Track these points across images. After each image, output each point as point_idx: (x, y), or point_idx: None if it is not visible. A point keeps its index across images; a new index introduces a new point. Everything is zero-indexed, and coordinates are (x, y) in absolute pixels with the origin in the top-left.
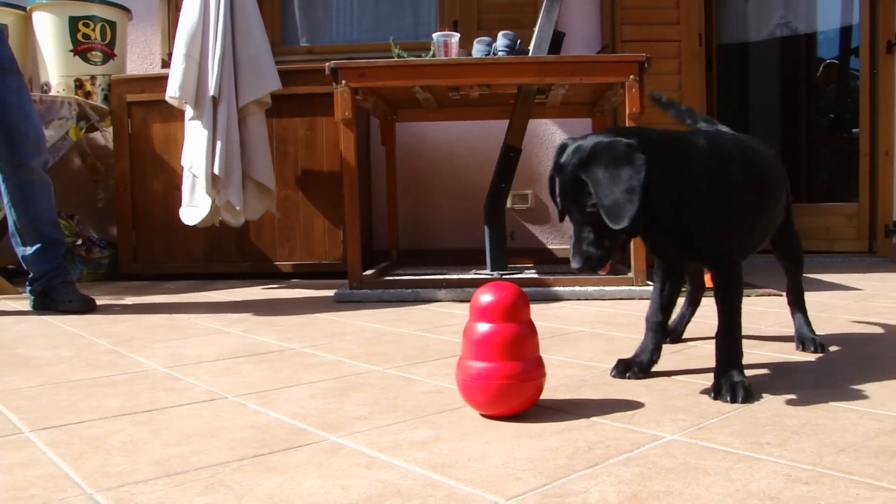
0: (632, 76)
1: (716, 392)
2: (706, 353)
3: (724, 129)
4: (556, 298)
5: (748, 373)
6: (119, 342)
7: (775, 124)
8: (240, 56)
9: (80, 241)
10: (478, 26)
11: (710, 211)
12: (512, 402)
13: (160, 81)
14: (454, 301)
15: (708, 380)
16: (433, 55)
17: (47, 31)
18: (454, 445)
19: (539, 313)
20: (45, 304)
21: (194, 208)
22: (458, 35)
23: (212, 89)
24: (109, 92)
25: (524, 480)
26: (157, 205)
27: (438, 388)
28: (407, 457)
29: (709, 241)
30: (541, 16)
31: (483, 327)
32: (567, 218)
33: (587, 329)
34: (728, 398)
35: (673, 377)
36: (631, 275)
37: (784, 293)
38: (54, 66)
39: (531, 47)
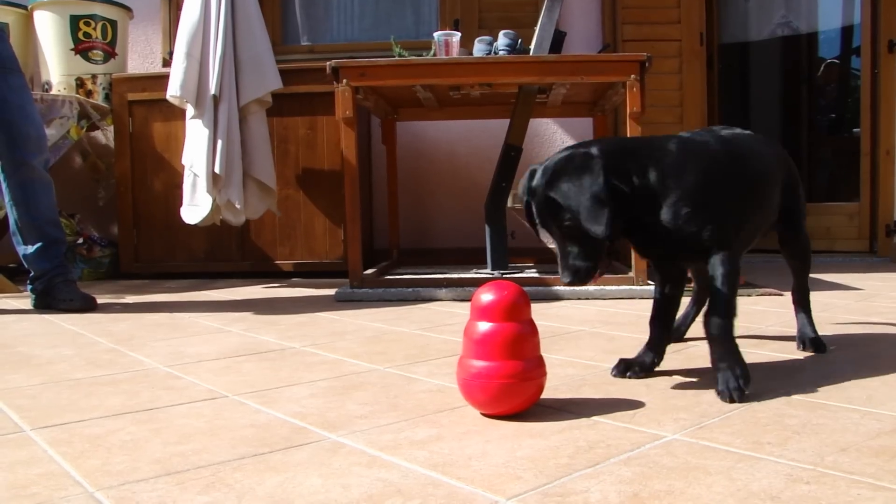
0: (633, 75)
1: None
2: (706, 353)
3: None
4: (556, 298)
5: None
6: (120, 341)
7: (776, 124)
8: (241, 55)
9: (81, 240)
10: (479, 25)
11: (682, 205)
12: (513, 401)
13: (161, 80)
14: (455, 300)
15: (709, 379)
16: (434, 54)
17: (48, 29)
18: (455, 444)
19: (540, 312)
20: (46, 302)
21: (195, 207)
22: (459, 34)
23: (213, 88)
24: (110, 91)
25: (525, 480)
26: (157, 204)
27: (439, 387)
28: (408, 456)
29: (689, 232)
30: (542, 15)
31: (484, 326)
32: (545, 232)
33: (588, 328)
34: (733, 398)
35: (674, 377)
36: (631, 274)
37: (784, 293)
38: (55, 64)
39: (532, 46)
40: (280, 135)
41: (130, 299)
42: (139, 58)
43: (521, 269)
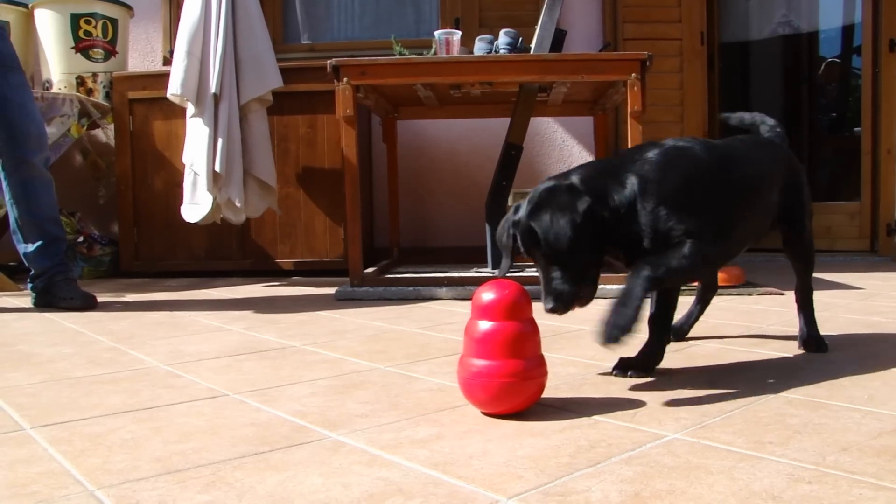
0: (633, 74)
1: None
2: (708, 352)
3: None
4: None
5: (750, 372)
6: (120, 339)
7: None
8: (241, 53)
9: (81, 239)
10: (479, 24)
11: (660, 208)
12: (513, 400)
13: (162, 79)
14: (455, 299)
15: (710, 379)
16: (435, 53)
17: (49, 28)
18: (456, 443)
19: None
20: (47, 300)
21: (195, 206)
22: (460, 33)
23: (213, 87)
24: (111, 89)
25: (526, 479)
26: (158, 202)
27: (440, 385)
28: (408, 455)
29: (665, 230)
30: (542, 14)
31: (485, 325)
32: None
33: (589, 327)
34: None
35: (675, 376)
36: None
37: (785, 292)
38: (56, 63)
39: (533, 45)
40: (280, 133)
41: (131, 298)
42: (140, 56)
43: (522, 268)
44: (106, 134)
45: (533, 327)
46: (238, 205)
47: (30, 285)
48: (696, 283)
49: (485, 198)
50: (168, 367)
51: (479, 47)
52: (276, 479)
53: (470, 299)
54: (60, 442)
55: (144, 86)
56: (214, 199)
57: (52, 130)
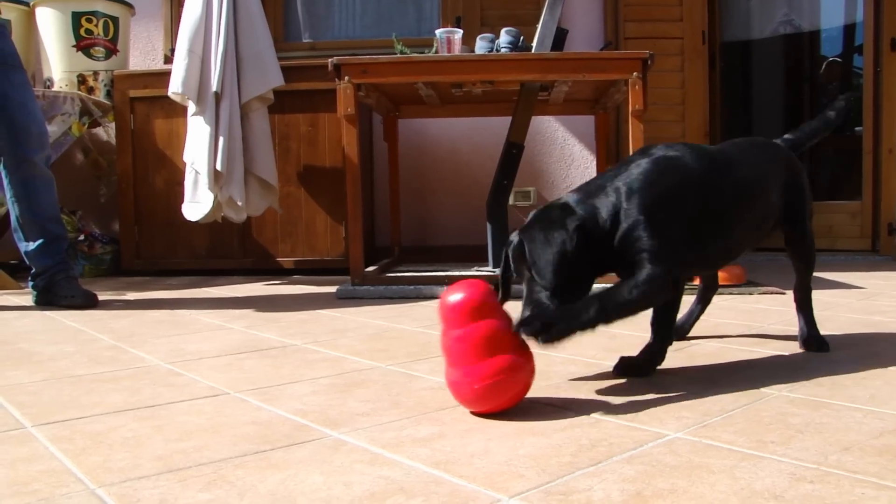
0: (635, 73)
1: (522, 324)
2: (709, 351)
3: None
4: None
5: (751, 372)
6: (121, 338)
7: (778, 122)
8: (242, 52)
9: (82, 237)
10: (481, 23)
11: (635, 220)
12: (503, 396)
13: (163, 77)
14: None
15: (711, 378)
16: (436, 51)
17: (50, 26)
18: (457, 442)
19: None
20: (48, 299)
21: (196, 204)
22: (461, 31)
23: (214, 85)
24: (112, 87)
25: (527, 478)
26: (159, 201)
27: (441, 384)
28: (410, 453)
29: (640, 250)
30: (544, 12)
31: (454, 332)
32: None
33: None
34: (531, 331)
35: (676, 375)
36: None
37: (786, 291)
38: (57, 61)
39: (534, 44)
40: (281, 132)
41: (132, 296)
42: (141, 54)
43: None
44: (107, 132)
45: (499, 320)
46: (239, 203)
47: (31, 283)
48: (696, 282)
49: (486, 197)
50: (169, 366)
51: (481, 46)
52: (277, 478)
53: None
54: (61, 440)
55: (146, 84)
56: (215, 197)
57: (54, 129)
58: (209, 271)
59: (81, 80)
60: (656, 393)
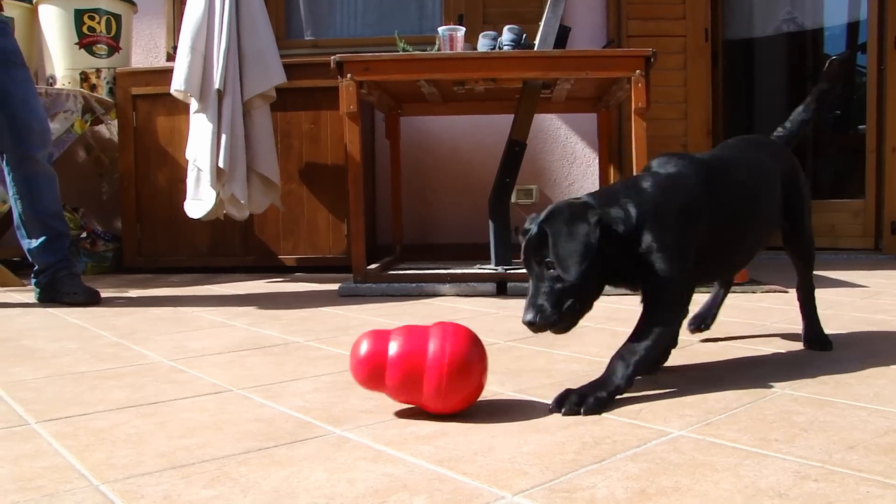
0: (638, 71)
1: (558, 401)
2: (712, 350)
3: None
4: None
5: (754, 370)
6: (124, 334)
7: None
8: (245, 49)
9: (84, 234)
10: (483, 20)
11: (650, 248)
12: (461, 392)
13: (165, 75)
14: (458, 295)
15: (714, 376)
16: (438, 49)
17: (53, 23)
18: (460, 440)
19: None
20: (50, 296)
21: (199, 201)
22: (464, 29)
23: (217, 83)
24: (114, 85)
25: (531, 475)
26: (161, 198)
27: None
28: (413, 451)
29: (653, 274)
30: (546, 10)
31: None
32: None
33: (592, 324)
34: (570, 408)
35: (679, 373)
36: None
37: (789, 289)
38: (60, 58)
39: (536, 42)
40: (284, 129)
41: (134, 293)
42: (143, 52)
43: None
44: (109, 130)
45: (404, 343)
46: (241, 201)
47: (33, 281)
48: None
49: (488, 195)
50: (172, 363)
51: (483, 44)
52: (280, 475)
53: (473, 296)
54: (65, 437)
55: (148, 82)
56: (218, 195)
57: (56, 126)
58: (211, 269)
59: (84, 77)
60: (660, 391)
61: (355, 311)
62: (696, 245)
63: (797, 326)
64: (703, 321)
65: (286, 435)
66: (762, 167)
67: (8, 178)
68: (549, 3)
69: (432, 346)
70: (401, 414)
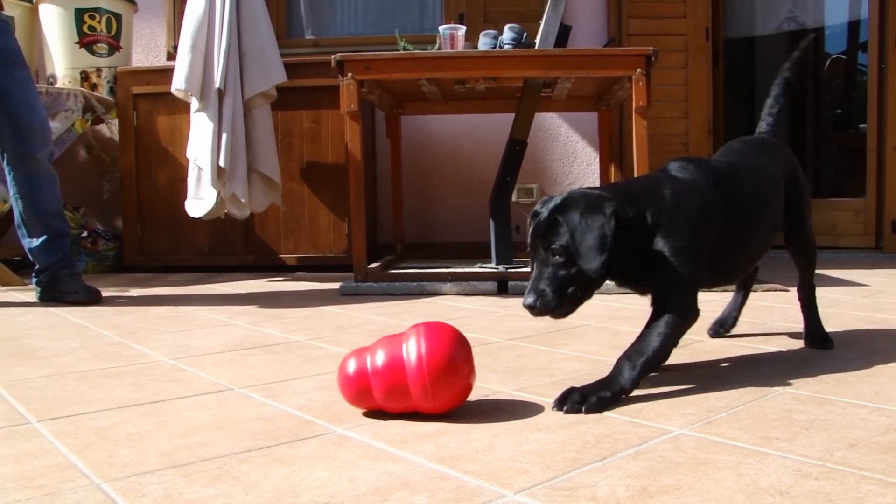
0: (639, 70)
1: (560, 399)
2: (713, 348)
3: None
4: None
5: (755, 368)
6: (125, 333)
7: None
8: (245, 48)
9: (85, 233)
10: (483, 19)
11: (663, 250)
12: (450, 388)
13: (166, 74)
14: (459, 294)
15: (715, 375)
16: (439, 48)
17: (53, 23)
18: (462, 438)
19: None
20: (52, 295)
21: (199, 201)
22: (465, 28)
23: (217, 81)
24: (115, 84)
25: (532, 474)
26: (162, 197)
27: None
28: (414, 449)
29: (663, 276)
30: (547, 9)
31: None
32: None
33: (593, 323)
34: (572, 406)
35: (680, 372)
36: None
37: (790, 288)
38: (60, 58)
39: (537, 40)
40: (284, 128)
41: (135, 292)
42: (144, 51)
43: (526, 264)
44: (110, 129)
45: (386, 362)
46: (242, 200)
47: (34, 280)
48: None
49: (489, 194)
50: (173, 362)
51: (484, 42)
52: (282, 473)
53: (474, 294)
54: (66, 435)
55: (148, 81)
56: (218, 194)
57: (57, 125)
58: (212, 268)
59: (84, 76)
60: (660, 389)
61: (356, 310)
62: (706, 250)
63: (798, 325)
64: (723, 325)
65: (287, 433)
66: (769, 174)
67: (9, 178)
68: (549, 1)
69: (410, 351)
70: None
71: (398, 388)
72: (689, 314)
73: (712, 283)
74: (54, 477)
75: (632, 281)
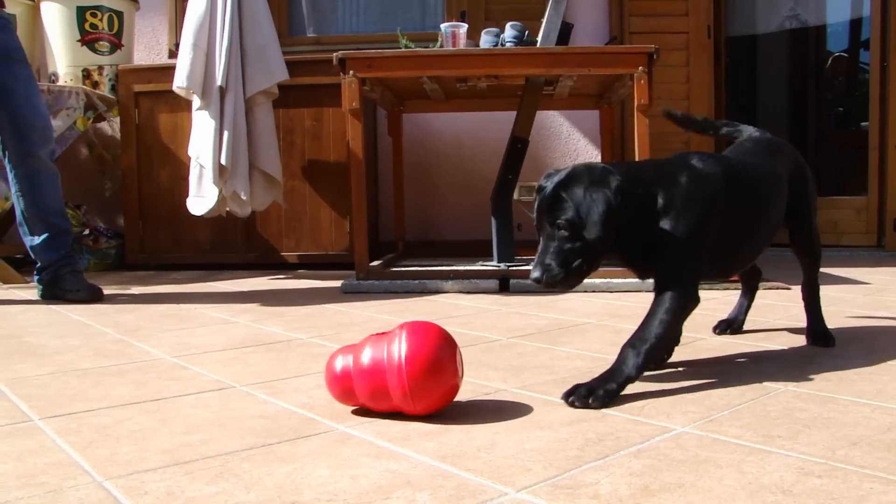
0: (640, 68)
1: (568, 393)
2: (715, 346)
3: (749, 129)
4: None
5: (757, 366)
6: (127, 331)
7: (783, 117)
8: (247, 46)
9: (87, 231)
10: (485, 17)
11: (671, 234)
12: (433, 390)
13: (167, 72)
14: (461, 292)
15: (717, 372)
16: (441, 46)
17: (55, 21)
18: (463, 436)
19: (546, 305)
20: (53, 293)
21: (201, 198)
22: (466, 26)
23: (219, 79)
24: (117, 82)
25: (534, 471)
26: (163, 195)
27: None
28: (416, 447)
29: (667, 261)
30: (549, 7)
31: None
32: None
33: (595, 321)
34: (580, 400)
35: (682, 369)
36: None
37: (792, 286)
38: (62, 56)
39: (539, 38)
40: (286, 126)
41: (137, 290)
42: (145, 49)
43: (528, 262)
44: (112, 127)
45: (369, 366)
46: (243, 198)
47: (36, 278)
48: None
49: (490, 192)
50: (174, 359)
51: (486, 40)
52: (284, 471)
53: (475, 292)
54: (68, 433)
55: (150, 79)
56: (220, 192)
57: (58, 123)
58: (213, 266)
59: (86, 74)
60: (662, 387)
61: (358, 307)
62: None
63: (800, 323)
64: (730, 326)
65: (289, 431)
66: (775, 175)
67: (10, 176)
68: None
69: (391, 354)
70: None
71: (379, 391)
72: (689, 300)
73: (709, 277)
74: (56, 474)
75: (636, 261)
